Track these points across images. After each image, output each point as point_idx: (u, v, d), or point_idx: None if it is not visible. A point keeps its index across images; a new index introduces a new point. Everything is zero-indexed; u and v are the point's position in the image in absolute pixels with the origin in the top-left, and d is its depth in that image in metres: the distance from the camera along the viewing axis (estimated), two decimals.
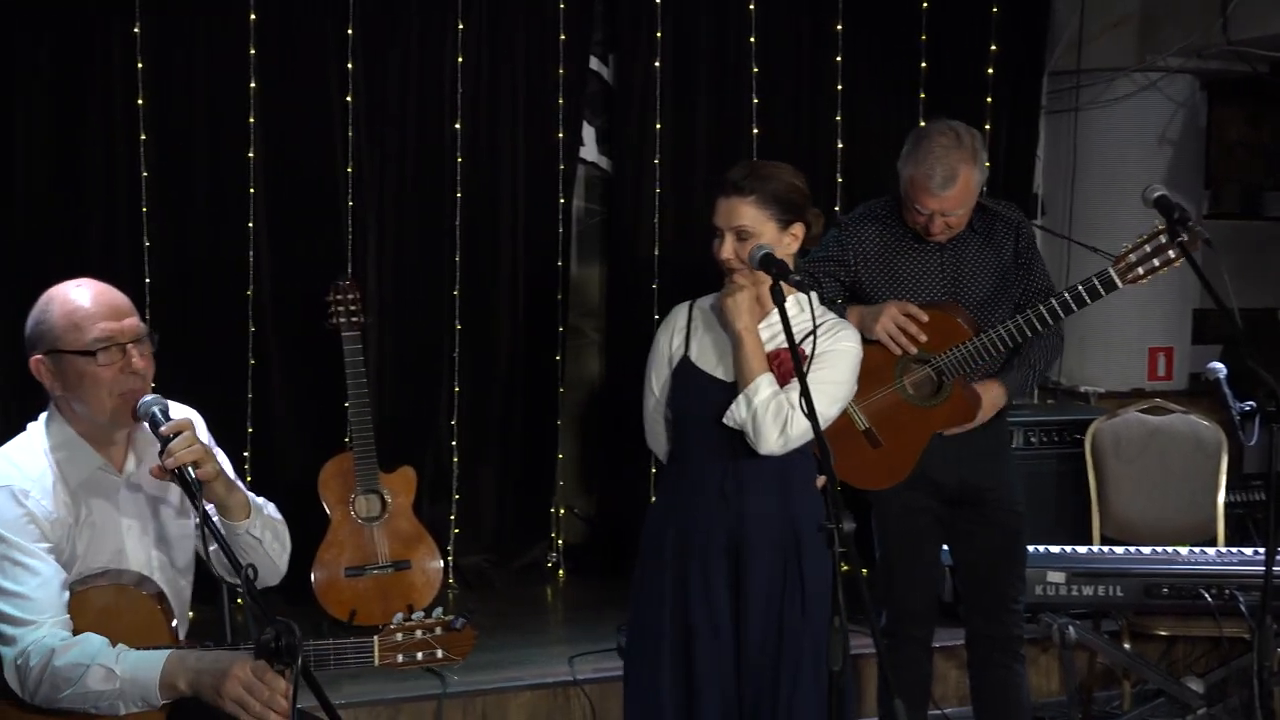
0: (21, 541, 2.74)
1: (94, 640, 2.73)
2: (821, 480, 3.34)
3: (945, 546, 3.96)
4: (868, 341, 3.64)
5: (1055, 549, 4.44)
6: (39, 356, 2.83)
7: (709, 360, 3.31)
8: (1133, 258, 3.61)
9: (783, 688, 3.26)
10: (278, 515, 3.05)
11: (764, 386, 3.17)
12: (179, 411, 3.00)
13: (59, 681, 2.69)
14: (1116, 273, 3.62)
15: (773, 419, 3.16)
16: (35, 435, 2.91)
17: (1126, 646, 4.53)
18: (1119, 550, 4.50)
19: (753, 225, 3.18)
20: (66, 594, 2.78)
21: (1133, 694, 4.70)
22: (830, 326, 3.26)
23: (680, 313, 3.40)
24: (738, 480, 3.26)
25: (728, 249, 3.20)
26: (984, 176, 3.71)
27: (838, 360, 3.23)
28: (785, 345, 3.15)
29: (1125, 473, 4.90)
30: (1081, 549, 4.51)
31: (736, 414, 3.19)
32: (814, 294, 3.22)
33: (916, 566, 3.88)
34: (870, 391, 3.70)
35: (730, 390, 3.22)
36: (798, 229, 3.24)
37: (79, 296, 2.84)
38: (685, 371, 3.32)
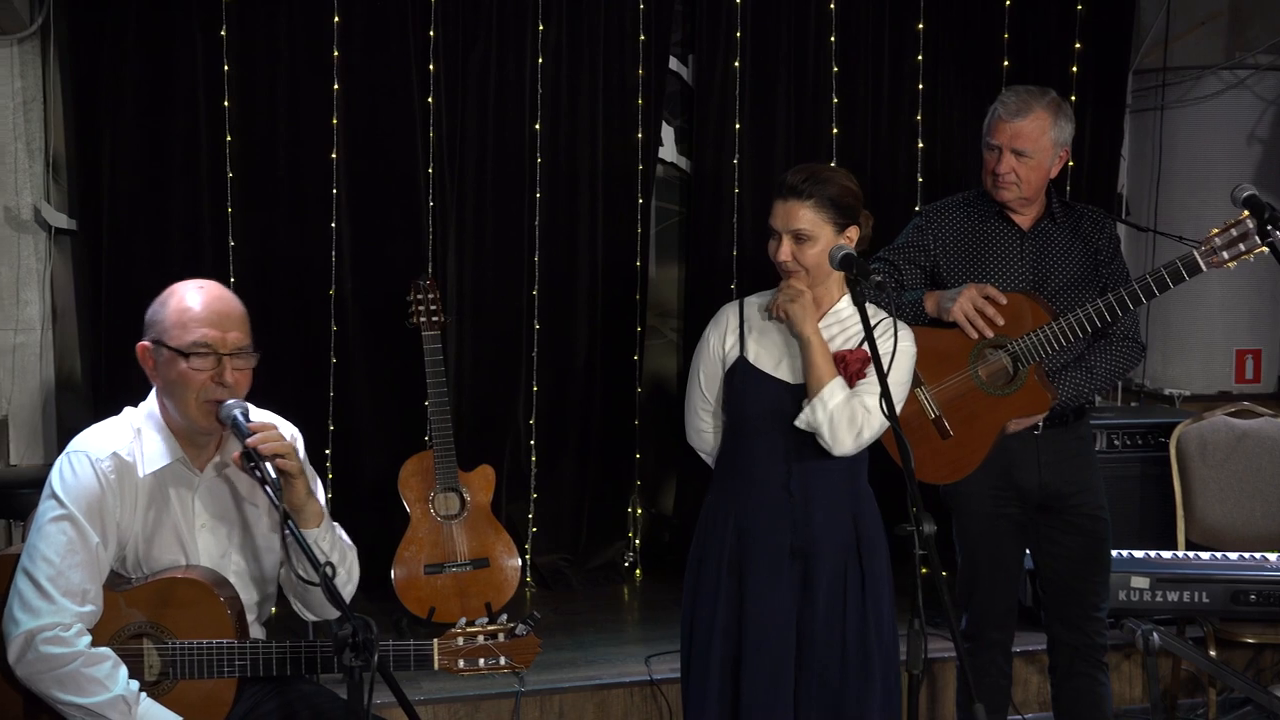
0: (76, 513, 2.80)
1: (124, 669, 2.78)
2: None
3: (1026, 550, 3.92)
4: (943, 325, 3.64)
5: (1139, 554, 4.38)
6: (145, 342, 2.91)
7: (768, 361, 3.34)
8: (1218, 241, 3.56)
9: (850, 689, 3.29)
10: (349, 541, 3.08)
11: (837, 390, 3.21)
12: (271, 421, 3.04)
13: (69, 682, 2.73)
14: (1201, 256, 3.56)
15: (848, 422, 3.20)
16: (129, 416, 2.98)
17: (1212, 653, 4.44)
18: (1205, 556, 4.43)
19: (811, 228, 3.23)
20: (93, 588, 2.81)
21: (1218, 702, 4.62)
22: (887, 326, 3.26)
23: (731, 312, 3.43)
24: (801, 481, 3.30)
25: (785, 251, 3.26)
26: (1061, 137, 3.71)
27: (897, 360, 3.21)
28: (845, 347, 3.26)
29: (1211, 477, 4.81)
30: (1166, 554, 4.44)
31: (811, 418, 3.21)
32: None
33: (998, 571, 3.84)
34: (943, 377, 3.68)
35: (794, 391, 3.27)
36: (852, 232, 3.29)
37: (194, 297, 2.91)
38: (743, 373, 3.35)
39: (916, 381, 3.62)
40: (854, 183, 3.32)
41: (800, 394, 3.26)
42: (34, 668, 2.74)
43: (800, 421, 3.23)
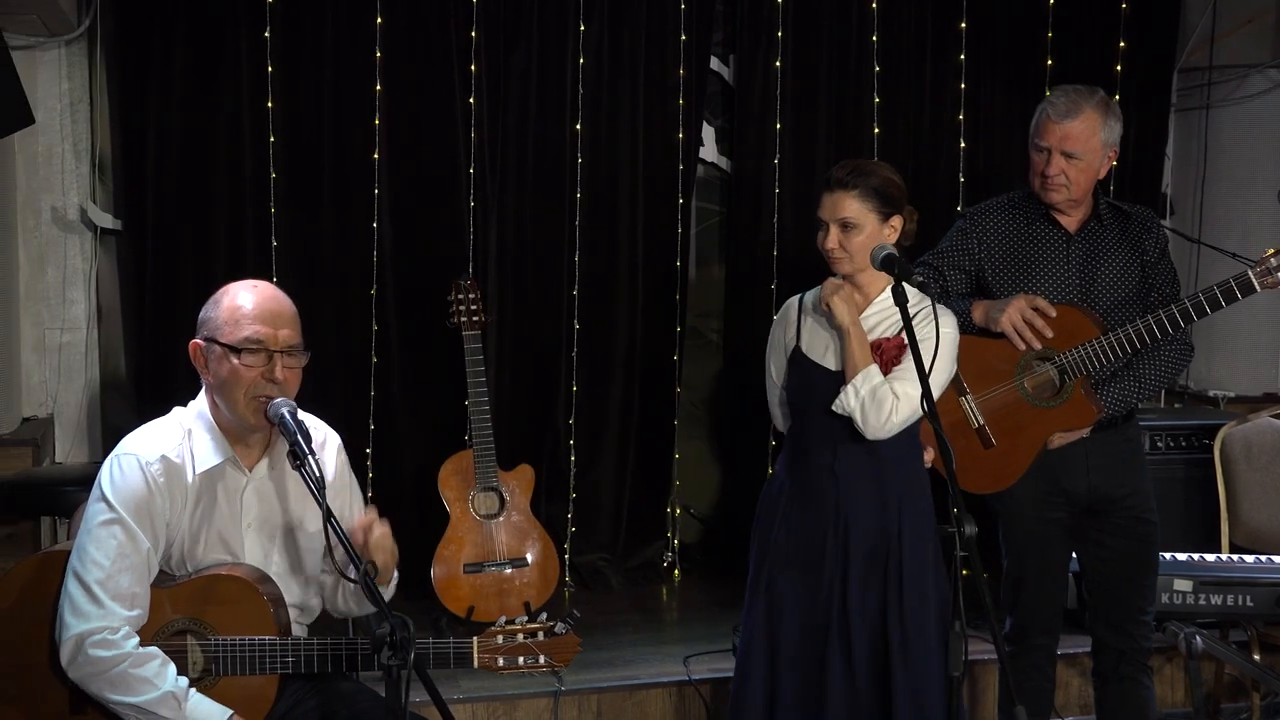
0: (126, 517, 2.82)
1: (172, 667, 2.82)
2: (929, 455, 3.56)
3: (1073, 554, 3.89)
4: (991, 335, 3.63)
5: (1182, 556, 4.35)
6: (198, 340, 2.95)
7: (817, 350, 3.54)
8: (1274, 261, 3.52)
9: (877, 676, 3.45)
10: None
11: (870, 377, 3.38)
12: (315, 424, 3.07)
13: (119, 683, 2.77)
14: (1256, 276, 3.53)
15: (878, 408, 3.37)
16: (179, 416, 3.01)
17: (1256, 657, 4.41)
18: (1249, 559, 4.39)
19: (856, 217, 3.41)
20: (141, 591, 2.84)
21: (1262, 706, 4.58)
22: (928, 313, 3.38)
23: (792, 306, 3.64)
24: (845, 463, 3.47)
25: (832, 239, 3.43)
26: (1110, 138, 3.67)
27: (938, 348, 3.32)
28: (885, 335, 3.44)
29: (1256, 480, 4.77)
30: (1210, 557, 4.41)
31: (845, 403, 3.40)
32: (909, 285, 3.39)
33: (1045, 575, 3.82)
34: (988, 387, 3.67)
35: (836, 378, 3.46)
36: (896, 221, 3.46)
37: (246, 296, 2.95)
38: (797, 361, 3.56)
39: (961, 390, 3.65)
40: (897, 175, 3.48)
41: (841, 380, 3.43)
42: (84, 670, 2.78)
43: (836, 406, 3.42)
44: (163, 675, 2.80)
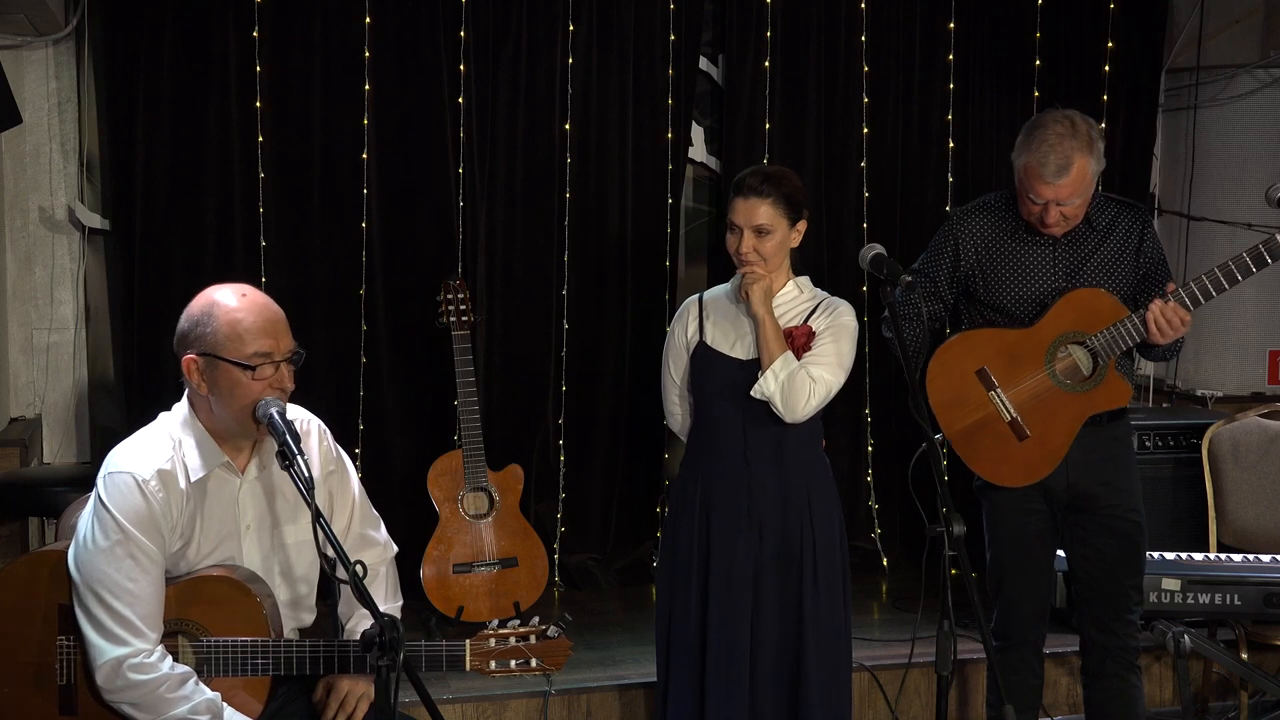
0: (140, 537, 2.81)
1: (206, 690, 2.83)
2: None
3: (1061, 552, 3.90)
4: (1010, 326, 3.71)
5: (1170, 555, 4.35)
6: (193, 356, 2.88)
7: (724, 343, 3.72)
8: None
9: (797, 658, 3.64)
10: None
11: (788, 362, 3.58)
12: (297, 414, 3.06)
13: (159, 705, 2.78)
14: None
15: (797, 391, 3.56)
16: (165, 425, 2.97)
17: (1243, 656, 4.42)
18: (1236, 558, 4.40)
19: (769, 222, 3.61)
20: (161, 607, 2.85)
21: (1250, 705, 4.59)
22: (828, 304, 3.68)
23: (692, 305, 3.84)
24: (757, 450, 3.66)
25: (747, 244, 3.62)
26: (1100, 166, 3.65)
27: (839, 334, 3.64)
28: (792, 324, 3.65)
29: (1244, 479, 4.78)
30: (1198, 556, 4.41)
31: (764, 388, 3.57)
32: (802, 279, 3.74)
33: (1026, 570, 3.83)
34: (1019, 379, 3.67)
35: (746, 367, 3.64)
36: (801, 225, 3.68)
37: (243, 308, 2.89)
38: (704, 355, 3.74)
39: (989, 385, 3.69)
40: (800, 181, 3.72)
41: (751, 369, 3.62)
42: (124, 695, 2.79)
43: (755, 391, 3.58)
44: (198, 691, 2.82)
